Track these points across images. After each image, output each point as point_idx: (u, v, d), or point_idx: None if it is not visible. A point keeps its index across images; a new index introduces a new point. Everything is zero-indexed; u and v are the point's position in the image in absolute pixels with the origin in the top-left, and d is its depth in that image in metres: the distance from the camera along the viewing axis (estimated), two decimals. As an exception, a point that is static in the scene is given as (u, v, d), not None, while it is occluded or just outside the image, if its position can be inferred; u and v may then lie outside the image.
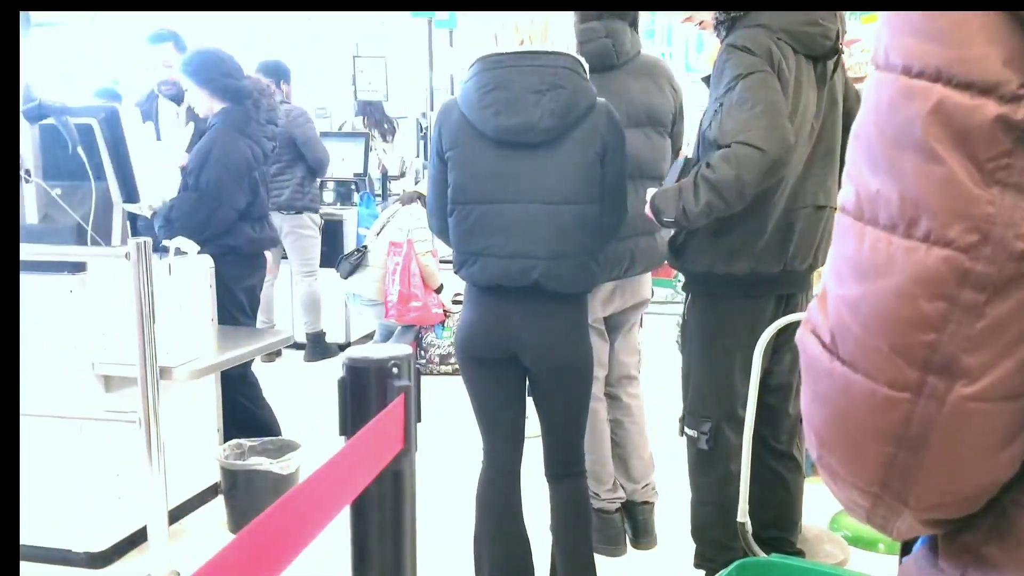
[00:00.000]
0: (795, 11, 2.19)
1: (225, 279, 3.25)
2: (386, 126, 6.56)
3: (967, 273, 0.50)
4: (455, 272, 2.30)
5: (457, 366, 2.44)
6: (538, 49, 2.12)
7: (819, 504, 2.76)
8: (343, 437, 0.89)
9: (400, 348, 0.90)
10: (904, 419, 0.53)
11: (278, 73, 5.17)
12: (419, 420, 0.91)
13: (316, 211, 5.17)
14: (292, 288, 5.36)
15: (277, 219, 5.07)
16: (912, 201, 0.52)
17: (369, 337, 5.40)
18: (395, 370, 0.88)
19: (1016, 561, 0.55)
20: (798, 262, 2.29)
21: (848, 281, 0.55)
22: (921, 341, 0.52)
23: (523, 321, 2.19)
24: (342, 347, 5.56)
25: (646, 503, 3.01)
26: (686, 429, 2.41)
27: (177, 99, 3.92)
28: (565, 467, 2.34)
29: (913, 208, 0.52)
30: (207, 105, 3.33)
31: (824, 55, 2.23)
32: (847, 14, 2.50)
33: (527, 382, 2.34)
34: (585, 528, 2.37)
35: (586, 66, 2.19)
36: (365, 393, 0.88)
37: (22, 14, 2.67)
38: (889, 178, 0.53)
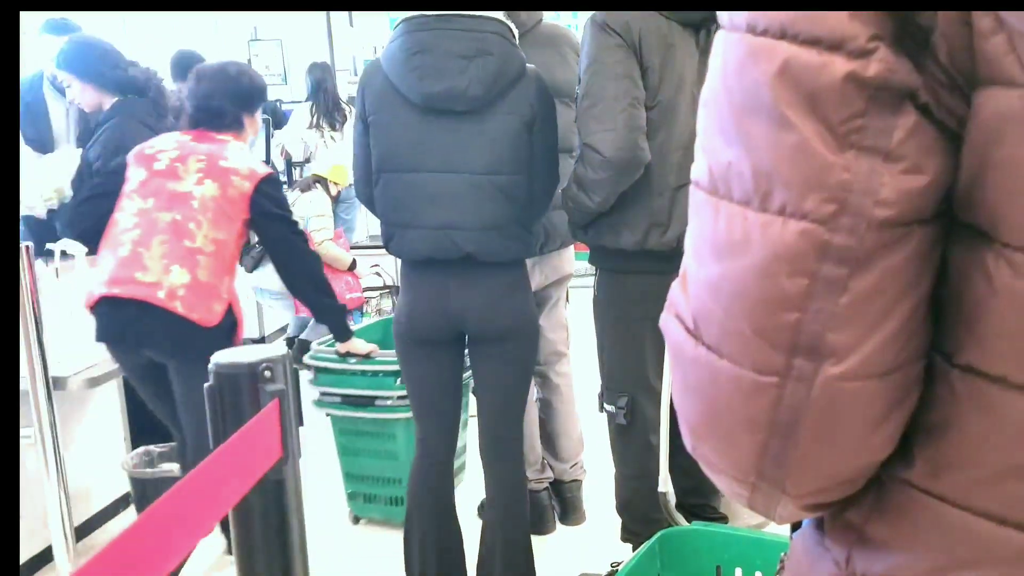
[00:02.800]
0: None
1: None
2: (337, 115, 5.88)
3: (826, 246, 0.47)
4: (384, 247, 2.22)
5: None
6: (465, 12, 2.03)
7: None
8: (214, 448, 0.83)
9: (274, 349, 0.83)
10: (773, 404, 0.50)
11: (193, 64, 4.97)
12: (300, 424, 0.85)
13: None
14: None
15: None
16: (765, 172, 0.48)
17: (283, 331, 5.28)
18: (267, 374, 0.82)
19: (899, 538, 0.53)
20: None
21: (707, 261, 0.52)
22: (784, 321, 0.48)
23: (462, 291, 2.13)
24: (256, 342, 5.42)
25: (574, 481, 3.01)
26: (604, 405, 2.39)
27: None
28: (504, 445, 2.29)
29: (767, 180, 0.48)
30: (95, 100, 3.12)
31: (699, 23, 2.20)
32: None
33: (464, 367, 2.30)
34: (522, 513, 2.34)
35: (516, 31, 2.13)
36: (237, 400, 0.82)
37: None
38: (741, 148, 0.49)
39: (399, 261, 2.34)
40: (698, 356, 0.53)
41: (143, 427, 3.19)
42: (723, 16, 0.51)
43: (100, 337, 2.50)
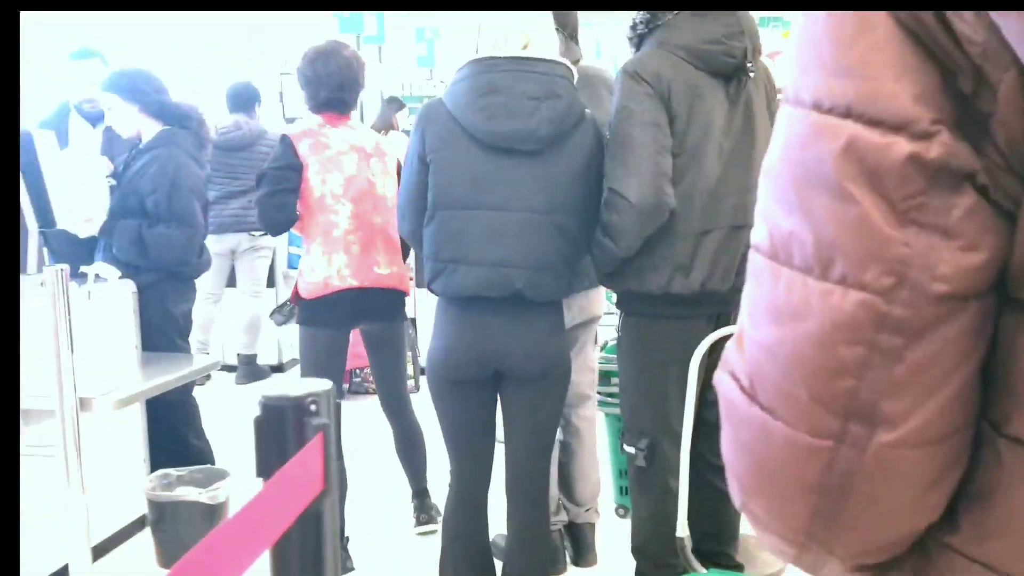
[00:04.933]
0: (702, 27, 2.21)
1: (167, 304, 3.16)
2: None
3: (884, 317, 0.49)
4: (427, 285, 2.24)
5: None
6: (536, 56, 2.10)
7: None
8: (261, 479, 0.85)
9: (319, 384, 0.86)
10: (826, 468, 0.51)
11: (250, 96, 5.11)
12: (339, 457, 0.87)
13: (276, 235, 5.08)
14: (231, 309, 5.26)
15: (235, 239, 5.01)
16: (826, 243, 0.50)
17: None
18: (313, 407, 0.84)
19: None
20: (717, 282, 2.26)
21: (763, 324, 0.53)
22: (841, 388, 0.50)
23: (504, 329, 2.16)
24: (274, 368, 5.45)
25: (588, 524, 3.00)
26: (624, 446, 2.40)
27: (95, 119, 3.77)
28: (531, 484, 2.31)
29: (827, 250, 0.50)
30: (135, 124, 3.16)
31: (730, 74, 2.25)
32: (768, 25, 2.54)
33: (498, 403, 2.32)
34: (541, 556, 2.35)
35: (576, 76, 2.19)
36: (282, 432, 0.84)
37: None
38: (802, 219, 0.51)
39: (429, 297, 2.36)
40: (752, 415, 0.54)
41: (162, 451, 3.23)
42: (787, 92, 0.54)
43: (339, 320, 2.92)
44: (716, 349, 2.13)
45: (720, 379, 0.58)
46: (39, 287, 2.36)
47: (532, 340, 2.18)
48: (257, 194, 2.91)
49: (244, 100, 5.15)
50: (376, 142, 3.04)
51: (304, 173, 2.83)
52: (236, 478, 2.99)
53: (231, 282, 5.27)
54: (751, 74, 2.26)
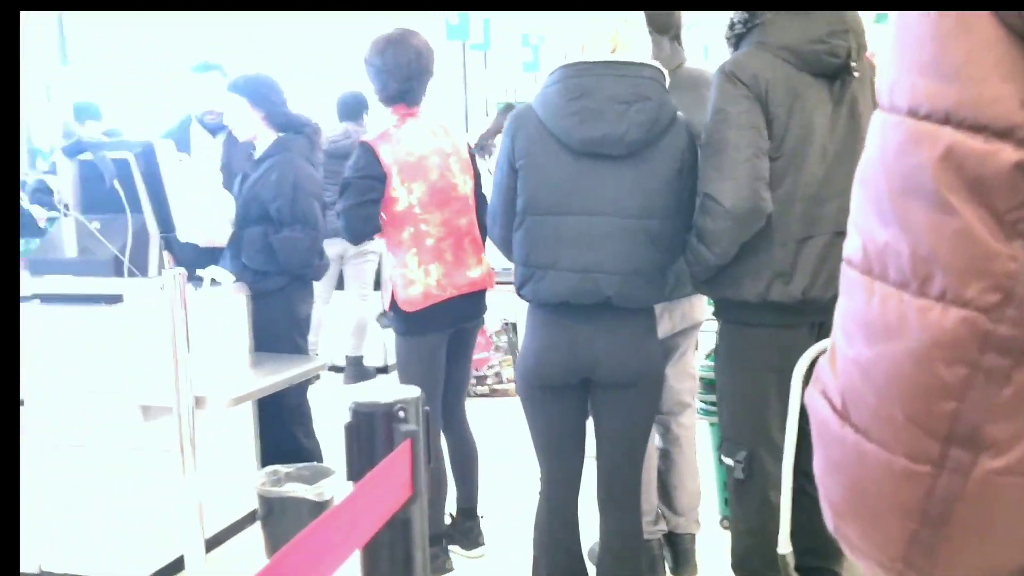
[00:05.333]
0: (804, 26, 2.13)
1: (292, 307, 3.28)
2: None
3: (989, 336, 0.46)
4: (517, 291, 2.25)
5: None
6: (625, 59, 2.10)
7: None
8: (351, 482, 0.87)
9: (408, 391, 0.88)
10: (926, 494, 0.49)
11: (359, 105, 5.25)
12: (429, 463, 0.89)
13: None
14: (340, 311, 5.41)
15: (343, 243, 5.16)
16: (924, 256, 0.47)
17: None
18: (402, 414, 0.86)
19: None
20: (819, 290, 2.17)
21: (858, 341, 0.51)
22: (941, 410, 0.47)
23: (594, 336, 2.14)
24: (380, 370, 5.58)
25: (688, 534, 2.95)
26: (723, 457, 2.35)
27: (215, 130, 3.93)
28: (622, 493, 2.29)
29: (926, 264, 0.47)
30: (253, 128, 3.24)
31: (834, 74, 2.17)
32: (885, 20, 2.44)
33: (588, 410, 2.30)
34: (636, 562, 2.32)
35: (668, 78, 2.17)
36: (372, 438, 0.87)
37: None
38: (899, 230, 0.48)
39: (521, 303, 2.38)
40: (844, 436, 0.52)
41: (272, 448, 3.35)
42: (882, 97, 0.51)
43: (439, 327, 2.95)
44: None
45: (811, 397, 0.56)
46: (159, 290, 2.49)
47: (622, 347, 2.16)
48: (341, 204, 2.86)
49: (352, 108, 5.29)
50: (451, 138, 2.99)
51: (388, 182, 2.80)
52: (341, 476, 3.08)
53: (339, 285, 5.42)
54: (856, 74, 2.18)
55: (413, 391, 0.88)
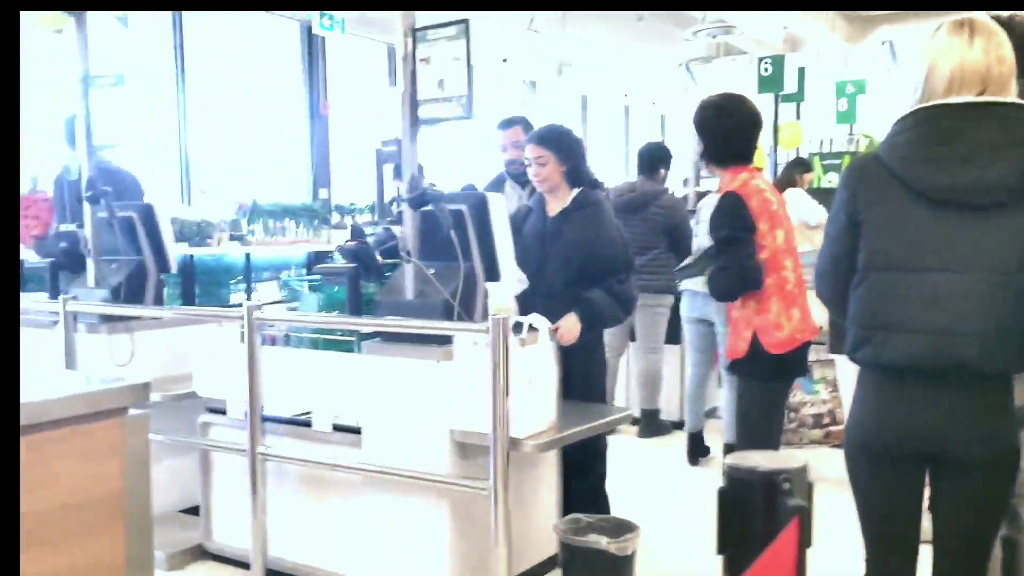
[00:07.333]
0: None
1: (597, 354, 3.43)
2: None
3: None
4: (848, 353, 2.09)
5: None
6: (994, 100, 1.93)
7: None
8: (720, 556, 0.82)
9: (792, 459, 0.82)
10: None
11: (653, 157, 5.33)
12: (808, 545, 0.81)
13: (675, 293, 5.11)
14: (631, 363, 5.43)
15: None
16: None
17: (710, 414, 5.24)
18: (786, 486, 0.80)
19: None
20: None
21: None
22: None
23: (943, 407, 1.93)
24: (676, 425, 5.48)
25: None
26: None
27: (522, 181, 4.11)
28: None
29: None
30: (557, 182, 3.34)
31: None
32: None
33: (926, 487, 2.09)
34: None
35: None
36: (749, 509, 0.81)
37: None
38: None
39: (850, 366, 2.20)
40: None
41: (574, 496, 3.38)
42: None
43: (791, 374, 3.10)
44: None
45: None
46: (483, 333, 2.62)
47: (978, 421, 1.92)
48: (727, 260, 3.00)
49: (646, 161, 5.32)
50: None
51: (757, 231, 2.98)
52: (643, 532, 3.03)
53: (631, 337, 5.43)
54: None
55: (796, 460, 0.82)
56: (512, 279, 3.11)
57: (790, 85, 6.35)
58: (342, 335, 3.25)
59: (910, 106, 2.00)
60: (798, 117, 7.04)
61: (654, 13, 9.07)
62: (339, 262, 3.35)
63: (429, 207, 2.85)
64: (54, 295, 3.85)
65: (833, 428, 4.59)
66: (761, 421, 2.98)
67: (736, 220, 2.97)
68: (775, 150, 6.61)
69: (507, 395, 2.61)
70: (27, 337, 3.89)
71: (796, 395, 4.57)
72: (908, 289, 1.94)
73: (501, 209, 2.97)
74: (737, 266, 2.90)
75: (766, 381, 3.00)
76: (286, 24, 8.84)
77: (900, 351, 1.95)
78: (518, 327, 2.89)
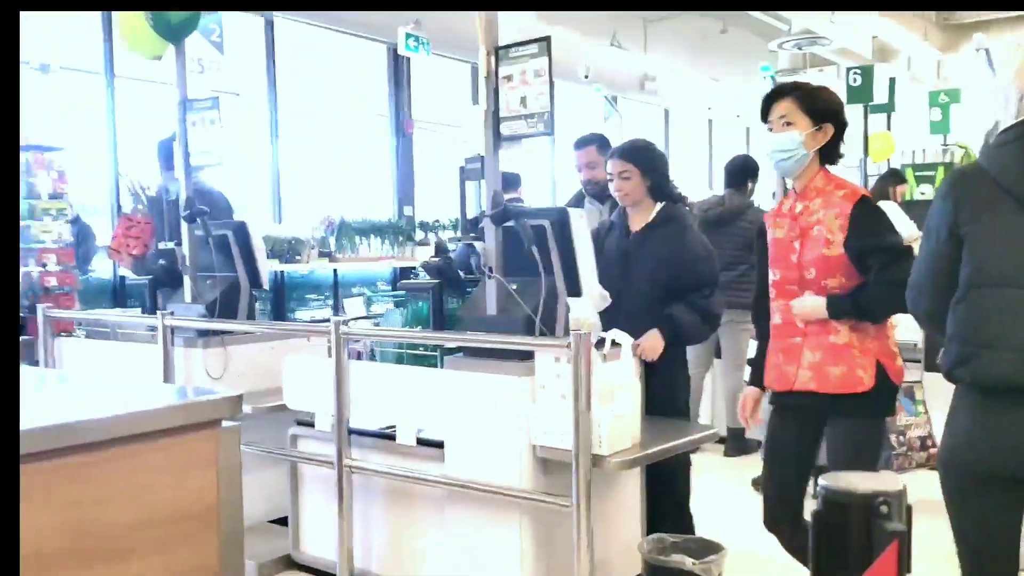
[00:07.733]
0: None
1: (681, 371, 3.41)
2: None
3: None
4: (947, 371, 2.02)
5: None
6: None
7: None
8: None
9: (890, 482, 0.79)
10: None
11: (741, 170, 5.26)
12: (908, 571, 0.78)
13: None
14: (716, 381, 5.34)
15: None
16: None
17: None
18: (884, 509, 0.77)
19: None
20: None
21: None
22: None
23: None
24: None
25: None
26: None
27: (601, 198, 4.09)
28: None
29: None
30: (641, 197, 3.33)
31: None
32: None
33: None
34: None
35: None
36: (846, 533, 0.79)
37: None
38: None
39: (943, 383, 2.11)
40: None
41: (657, 515, 3.33)
42: None
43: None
44: None
45: None
46: (565, 349, 2.61)
47: None
48: (900, 272, 2.30)
49: (733, 175, 5.24)
50: None
51: None
52: (728, 553, 2.96)
53: (716, 354, 5.34)
54: None
55: (894, 483, 0.79)
56: (594, 294, 3.10)
57: (880, 95, 6.17)
58: (426, 350, 3.29)
59: (1010, 117, 1.92)
60: (888, 128, 6.83)
61: (737, 24, 8.95)
62: (423, 278, 3.40)
63: (511, 223, 2.87)
64: (152, 311, 4.01)
65: (934, 450, 4.39)
66: (872, 461, 2.54)
67: (892, 226, 2.49)
68: (865, 162, 6.42)
69: (589, 410, 2.60)
70: (128, 351, 4.10)
71: (901, 418, 4.37)
72: (1017, 305, 1.86)
73: (582, 224, 2.96)
74: (904, 281, 2.19)
75: (883, 416, 2.61)
76: (373, 47, 9.05)
77: (1002, 369, 1.87)
78: (600, 343, 2.87)
